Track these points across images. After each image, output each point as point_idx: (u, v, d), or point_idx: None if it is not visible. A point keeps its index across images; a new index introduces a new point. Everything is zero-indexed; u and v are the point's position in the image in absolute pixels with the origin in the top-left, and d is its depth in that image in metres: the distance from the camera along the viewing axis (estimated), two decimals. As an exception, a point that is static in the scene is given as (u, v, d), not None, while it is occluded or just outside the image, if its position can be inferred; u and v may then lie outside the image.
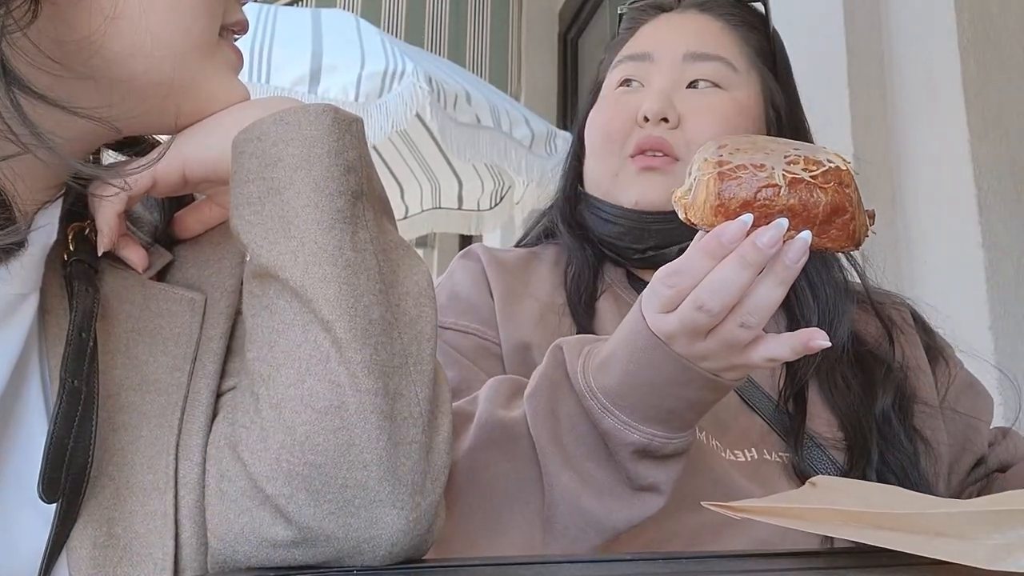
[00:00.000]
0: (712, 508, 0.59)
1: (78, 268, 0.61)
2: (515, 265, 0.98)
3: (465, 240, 4.93)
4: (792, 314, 0.93)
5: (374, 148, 3.77)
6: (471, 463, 0.70)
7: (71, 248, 0.62)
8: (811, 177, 0.60)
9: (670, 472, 0.68)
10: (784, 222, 0.59)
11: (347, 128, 0.59)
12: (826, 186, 0.60)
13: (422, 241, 5.74)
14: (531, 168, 2.99)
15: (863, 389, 0.88)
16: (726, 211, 0.60)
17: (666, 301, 0.64)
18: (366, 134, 0.62)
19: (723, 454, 0.83)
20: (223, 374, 0.63)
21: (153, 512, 0.56)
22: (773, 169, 0.60)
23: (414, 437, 0.55)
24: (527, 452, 0.70)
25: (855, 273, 1.00)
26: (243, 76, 2.55)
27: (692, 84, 0.97)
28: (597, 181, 1.00)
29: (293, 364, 0.55)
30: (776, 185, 0.60)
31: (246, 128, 0.59)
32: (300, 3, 4.33)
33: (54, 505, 0.53)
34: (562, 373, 0.71)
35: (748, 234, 0.59)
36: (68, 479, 0.53)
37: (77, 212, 0.65)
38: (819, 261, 0.93)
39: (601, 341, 0.72)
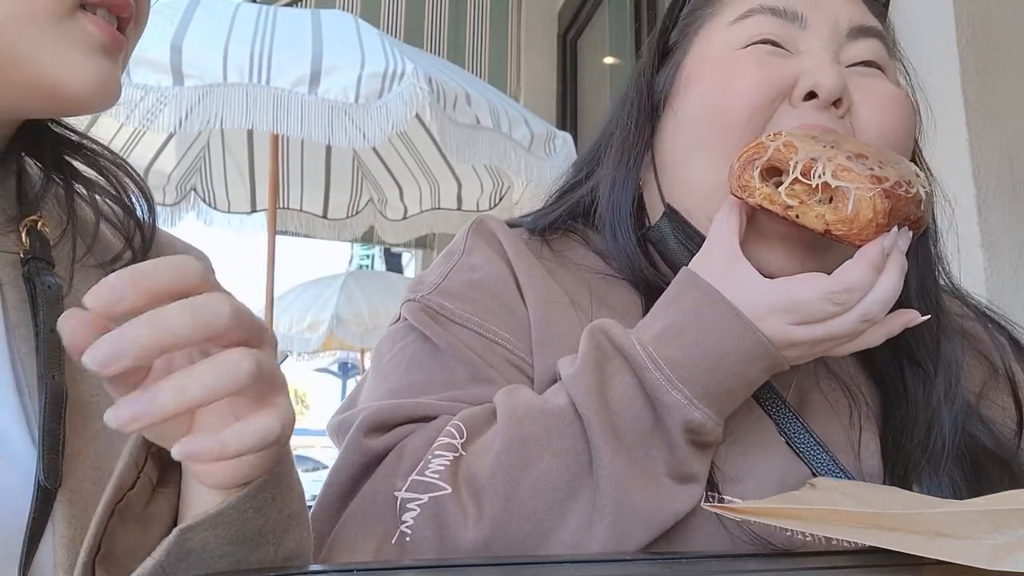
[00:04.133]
0: (712, 509, 0.59)
1: (35, 266, 0.60)
2: (542, 259, 0.79)
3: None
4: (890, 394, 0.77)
5: (374, 150, 3.78)
6: (507, 464, 0.60)
7: (25, 244, 0.61)
8: (927, 194, 0.66)
9: (705, 464, 0.65)
10: (910, 235, 0.66)
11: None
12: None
13: (421, 242, 5.74)
14: (530, 169, 2.99)
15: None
16: (886, 227, 0.63)
17: (822, 315, 0.63)
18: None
19: None
20: None
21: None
22: (918, 188, 0.65)
23: None
24: (575, 443, 0.61)
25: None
26: (243, 77, 2.56)
27: (856, 63, 0.75)
28: (708, 188, 0.72)
29: None
30: (919, 201, 0.65)
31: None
32: (299, 3, 4.34)
33: (32, 487, 0.54)
34: (610, 354, 0.64)
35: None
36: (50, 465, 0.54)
37: (29, 203, 0.64)
38: (936, 325, 0.77)
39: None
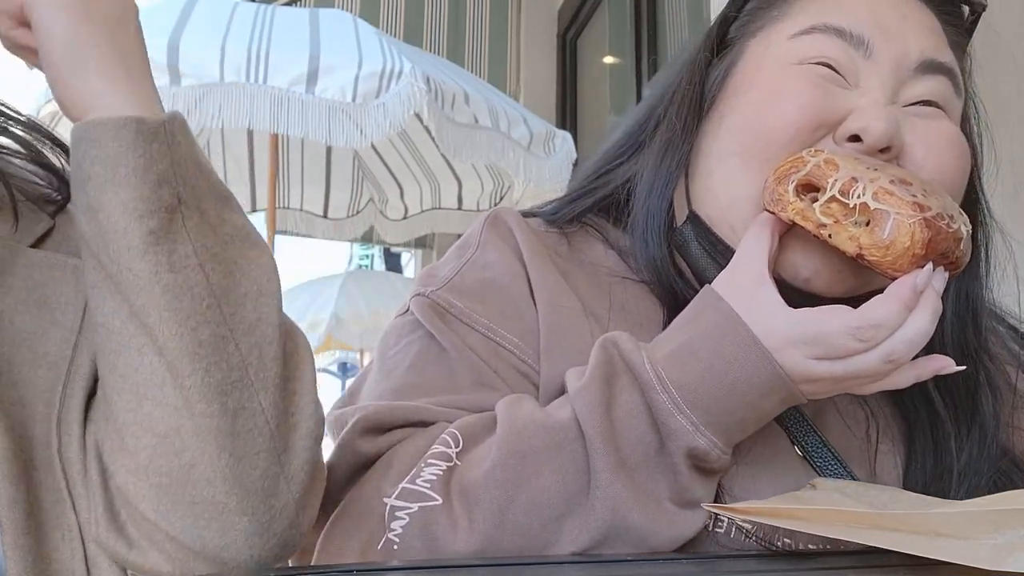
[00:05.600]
0: (713, 509, 0.59)
1: None
2: (554, 257, 0.77)
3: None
4: (914, 441, 0.74)
5: (374, 149, 3.77)
6: (503, 479, 0.59)
7: None
8: (967, 233, 0.63)
9: (711, 490, 0.63)
10: (946, 275, 0.62)
11: (154, 137, 0.55)
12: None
13: (421, 241, 5.73)
14: (529, 168, 2.98)
15: None
16: (922, 260, 0.60)
17: (844, 351, 0.59)
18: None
19: None
20: None
21: (52, 487, 0.57)
22: (959, 225, 0.62)
23: (260, 447, 0.56)
24: (576, 460, 0.60)
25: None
26: (240, 76, 2.57)
27: (915, 102, 0.71)
28: (729, 197, 0.71)
29: (131, 388, 0.55)
30: (959, 238, 0.61)
31: (73, 129, 0.56)
32: (298, 3, 4.34)
33: None
34: (620, 368, 0.62)
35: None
36: None
37: None
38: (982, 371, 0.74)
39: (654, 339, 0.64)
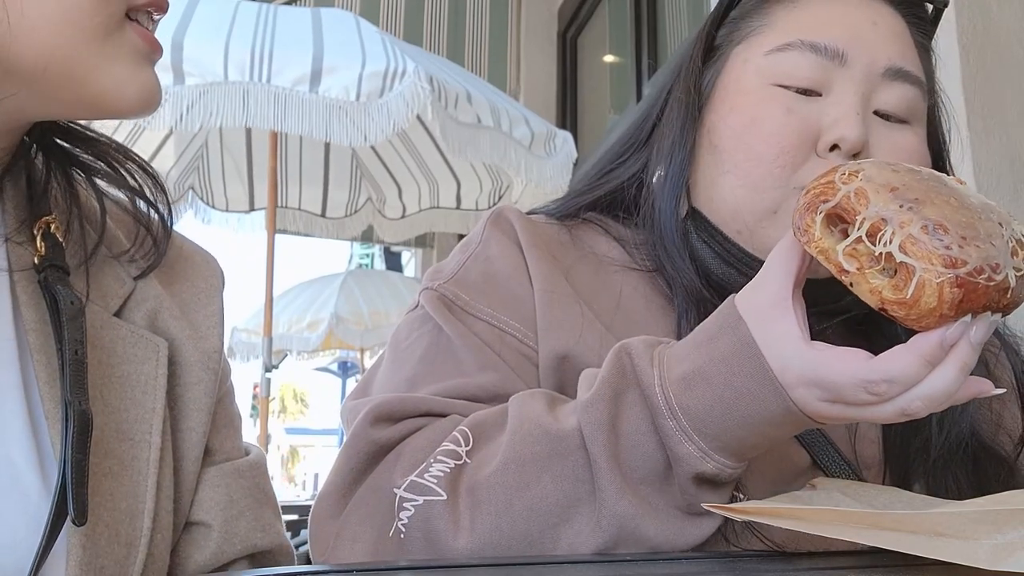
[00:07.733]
0: (713, 510, 0.59)
1: (52, 275, 0.57)
2: (556, 248, 0.80)
3: (464, 240, 4.92)
4: None
5: (372, 148, 3.77)
6: (504, 482, 0.60)
7: (41, 249, 0.58)
8: (1019, 278, 0.55)
9: (724, 497, 0.62)
10: (996, 318, 0.55)
11: None
12: None
13: (421, 241, 5.74)
14: (530, 168, 2.99)
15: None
16: (951, 319, 0.53)
17: (856, 401, 0.56)
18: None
19: None
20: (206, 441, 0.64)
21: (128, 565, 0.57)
22: (1007, 271, 0.54)
23: None
24: (577, 471, 0.60)
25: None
26: (244, 75, 2.56)
27: (882, 112, 0.75)
28: (732, 208, 0.76)
29: None
30: (1006, 288, 0.54)
31: None
32: (299, 2, 4.33)
33: (47, 512, 0.52)
34: (631, 382, 0.62)
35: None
36: (77, 501, 0.52)
37: (38, 202, 0.60)
38: None
39: (672, 345, 0.63)
